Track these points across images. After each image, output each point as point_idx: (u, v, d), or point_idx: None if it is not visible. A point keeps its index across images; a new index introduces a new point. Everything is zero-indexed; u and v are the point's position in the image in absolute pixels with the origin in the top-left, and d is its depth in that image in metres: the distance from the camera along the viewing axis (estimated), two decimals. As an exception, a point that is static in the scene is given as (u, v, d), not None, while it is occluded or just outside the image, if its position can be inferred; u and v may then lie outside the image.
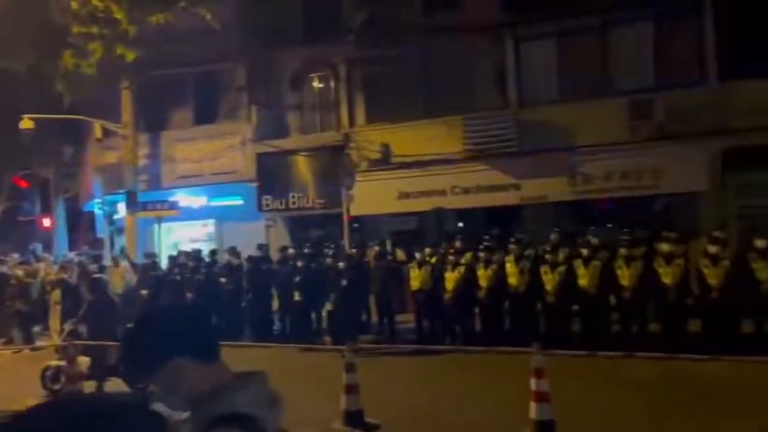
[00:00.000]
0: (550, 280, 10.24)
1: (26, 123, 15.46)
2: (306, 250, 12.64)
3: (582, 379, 8.04)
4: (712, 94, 12.14)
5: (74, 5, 13.78)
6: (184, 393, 1.65)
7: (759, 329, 9.11)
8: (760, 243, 9.38)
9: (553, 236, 10.90)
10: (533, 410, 6.05)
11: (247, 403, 1.63)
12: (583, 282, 10.01)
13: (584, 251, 10.21)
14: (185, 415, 1.64)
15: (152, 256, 14.39)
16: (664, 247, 9.78)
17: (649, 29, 12.95)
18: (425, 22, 14.10)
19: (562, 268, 10.22)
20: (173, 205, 15.64)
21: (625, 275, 9.81)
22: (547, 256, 10.49)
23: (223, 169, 16.05)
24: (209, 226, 17.06)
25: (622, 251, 9.96)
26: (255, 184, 15.71)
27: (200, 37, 14.54)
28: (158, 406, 1.72)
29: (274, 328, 12.88)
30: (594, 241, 10.48)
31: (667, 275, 9.55)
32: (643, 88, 12.77)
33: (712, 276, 9.30)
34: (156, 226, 16.17)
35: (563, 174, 12.94)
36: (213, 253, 13.92)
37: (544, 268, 10.36)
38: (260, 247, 13.30)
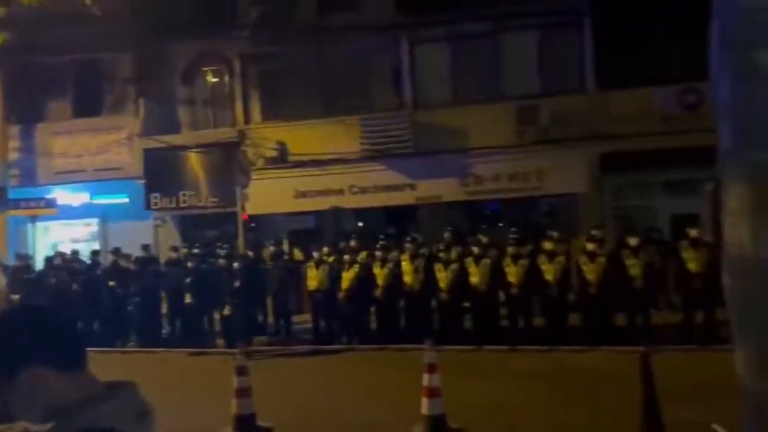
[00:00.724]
0: (443, 278, 10.52)
1: None
2: (197, 250, 12.20)
3: (472, 372, 8.33)
4: (591, 102, 13.00)
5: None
6: (44, 404, 1.52)
7: (631, 322, 9.85)
8: (632, 241, 10.15)
9: (446, 235, 11.23)
10: (425, 406, 6.17)
11: (113, 416, 1.53)
12: (474, 279, 10.37)
13: (475, 250, 10.58)
14: (46, 427, 1.52)
15: (25, 258, 13.30)
16: (547, 245, 10.35)
17: (534, 38, 13.66)
18: (322, 21, 14.03)
19: (454, 266, 10.53)
20: (50, 203, 14.53)
21: (512, 272, 10.27)
22: (441, 255, 10.78)
23: (107, 165, 15.12)
24: (92, 226, 16.03)
25: (510, 250, 10.42)
26: (142, 182, 14.94)
27: (82, 23, 13.59)
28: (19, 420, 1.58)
29: (163, 332, 12.33)
30: (484, 240, 10.90)
31: (549, 272, 10.11)
32: (529, 94, 13.43)
33: (590, 272, 9.95)
34: (30, 225, 14.95)
35: (456, 175, 13.35)
36: (95, 253, 13.08)
37: (437, 266, 10.63)
38: (144, 247, 12.67)
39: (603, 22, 12.82)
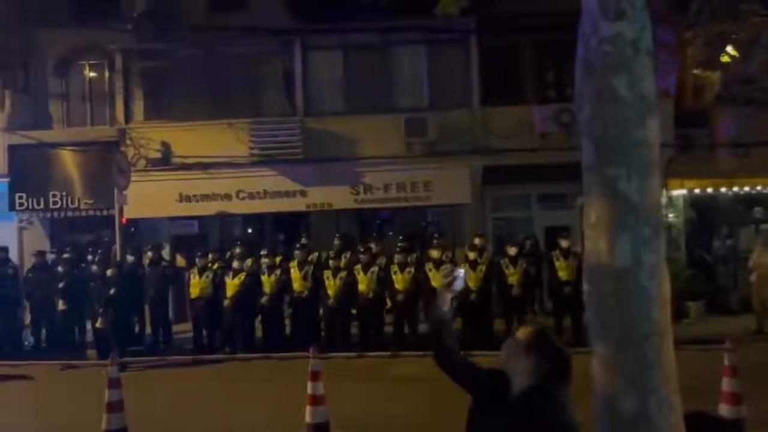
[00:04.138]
0: (331, 285, 10.54)
1: None
2: (67, 255, 11.35)
3: (356, 379, 8.39)
4: (475, 117, 13.58)
5: None
6: None
7: (508, 327, 10.36)
8: (511, 251, 10.72)
9: (336, 243, 11.27)
10: (308, 414, 6.14)
11: None
12: (362, 287, 10.48)
13: (364, 257, 10.70)
14: None
15: None
16: (434, 253, 10.67)
17: (423, 53, 14.06)
18: (212, 20, 13.63)
19: (343, 274, 10.59)
20: None
21: (399, 280, 10.49)
22: (331, 262, 10.80)
23: (-36, 160, 13.72)
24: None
25: (398, 257, 10.65)
26: (5, 180, 13.69)
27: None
28: None
29: (26, 343, 11.37)
30: (373, 248, 11.06)
31: (435, 279, 10.40)
32: (418, 106, 13.81)
33: (471, 280, 10.37)
34: None
35: (347, 183, 13.42)
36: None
37: (326, 273, 10.64)
38: (1, 249, 11.52)
39: (487, 42, 13.48)
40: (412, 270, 10.57)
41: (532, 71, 14.08)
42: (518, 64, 13.99)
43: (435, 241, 11.05)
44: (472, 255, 10.60)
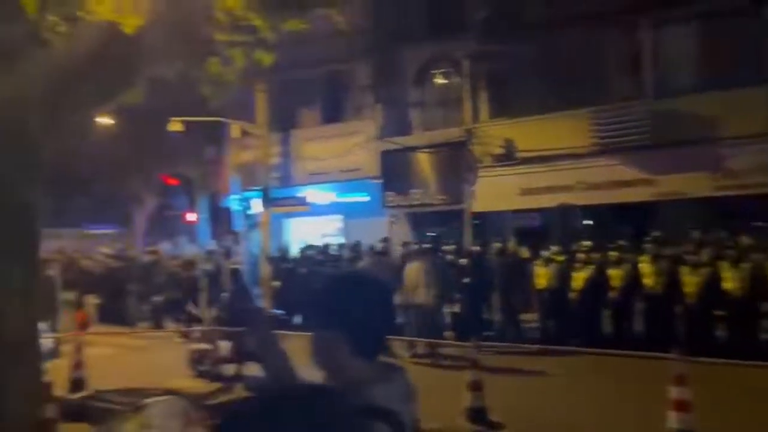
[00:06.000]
0: (691, 282, 9.58)
1: (175, 125, 15.72)
2: (426, 246, 12.74)
3: (725, 389, 7.44)
4: None
5: (220, 16, 14.71)
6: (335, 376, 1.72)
7: None
8: None
9: (694, 235, 10.20)
10: (673, 420, 5.71)
11: (389, 398, 1.68)
12: (730, 285, 9.26)
13: (731, 252, 9.44)
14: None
15: (284, 250, 15.21)
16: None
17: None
18: (549, 13, 13.62)
19: (705, 270, 9.52)
20: (303, 202, 16.28)
21: (779, 279, 8.96)
22: (689, 257, 9.82)
23: (349, 166, 16.54)
24: (337, 222, 17.66)
25: (778, 253, 9.10)
26: (379, 181, 16.06)
27: (327, 39, 15.06)
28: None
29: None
30: (745, 241, 9.65)
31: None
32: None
33: None
34: (286, 221, 16.98)
35: (703, 168, 12.03)
36: (340, 247, 14.45)
37: (684, 270, 9.71)
38: (384, 240, 13.51)
39: None
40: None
41: None
42: None
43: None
44: None
